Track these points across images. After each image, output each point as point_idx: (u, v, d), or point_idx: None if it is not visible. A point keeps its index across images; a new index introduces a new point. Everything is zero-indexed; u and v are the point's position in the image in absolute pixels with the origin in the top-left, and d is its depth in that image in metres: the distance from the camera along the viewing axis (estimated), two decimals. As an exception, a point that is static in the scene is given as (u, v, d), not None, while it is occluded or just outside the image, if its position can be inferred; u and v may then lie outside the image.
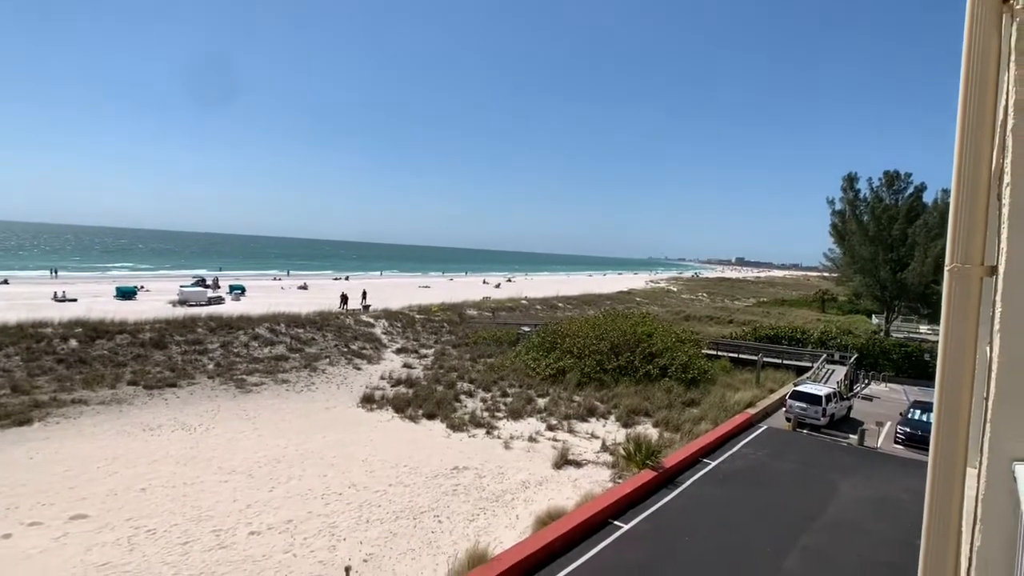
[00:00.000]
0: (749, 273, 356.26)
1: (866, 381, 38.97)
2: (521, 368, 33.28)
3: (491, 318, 53.11)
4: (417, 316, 48.55)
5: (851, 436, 24.03)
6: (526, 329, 44.05)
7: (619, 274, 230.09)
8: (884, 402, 32.71)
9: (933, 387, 3.25)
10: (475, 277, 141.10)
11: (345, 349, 35.74)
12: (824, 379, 33.69)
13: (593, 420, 25.77)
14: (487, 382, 30.54)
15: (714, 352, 40.71)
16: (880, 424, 25.00)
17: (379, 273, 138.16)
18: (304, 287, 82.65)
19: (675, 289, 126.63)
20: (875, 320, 67.67)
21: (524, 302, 68.54)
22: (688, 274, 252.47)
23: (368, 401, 26.70)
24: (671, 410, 26.72)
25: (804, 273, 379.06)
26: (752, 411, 25.81)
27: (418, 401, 26.47)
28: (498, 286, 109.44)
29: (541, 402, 28.00)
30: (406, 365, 34.61)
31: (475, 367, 34.64)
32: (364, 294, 61.86)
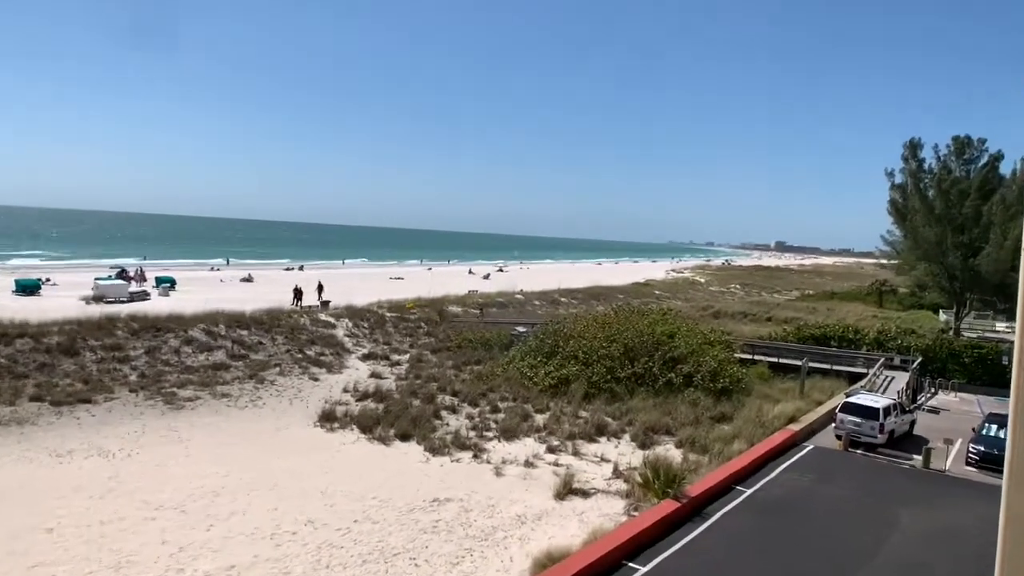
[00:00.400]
0: (791, 260, 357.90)
1: (932, 390, 39.23)
2: (515, 377, 33.29)
3: (478, 316, 53.08)
4: (388, 314, 48.45)
5: (914, 457, 24.16)
6: (521, 330, 44.05)
7: (634, 262, 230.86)
8: (954, 415, 32.93)
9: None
10: (460, 266, 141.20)
11: (300, 355, 35.66)
12: (882, 388, 33.84)
13: (603, 440, 25.82)
14: (474, 394, 30.51)
15: (749, 356, 40.78)
16: (949, 442, 25.13)
17: (341, 262, 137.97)
18: (249, 279, 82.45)
19: (702, 280, 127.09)
20: (943, 317, 68.12)
21: (519, 297, 68.55)
22: (718, 261, 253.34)
23: (328, 419, 26.62)
24: (697, 427, 26.77)
25: (857, 260, 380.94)
26: (795, 427, 25.90)
27: (390, 418, 26.41)
28: (487, 277, 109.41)
29: (540, 418, 28.00)
30: (375, 374, 34.56)
31: (459, 376, 34.60)
32: (320, 288, 61.66)
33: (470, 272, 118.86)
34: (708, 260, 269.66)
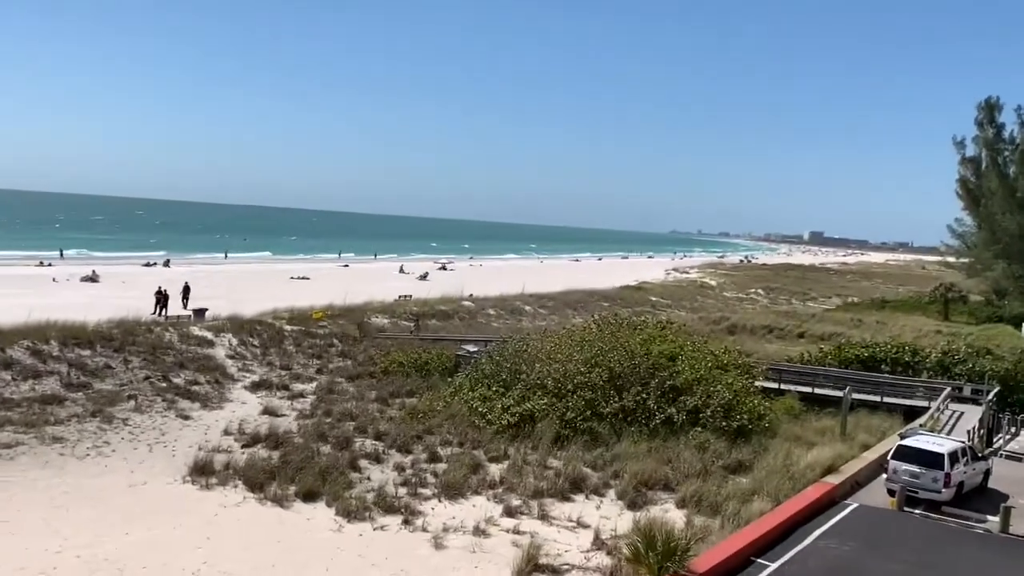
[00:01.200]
0: (830, 257, 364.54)
1: (1013, 430, 40.14)
2: (462, 414, 33.25)
3: (412, 331, 52.93)
4: (288, 328, 48.02)
5: (990, 518, 24.59)
6: (471, 349, 43.97)
7: (624, 257, 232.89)
8: (1041, 463, 33.67)
9: None
10: (390, 262, 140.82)
11: (164, 384, 35.13)
12: (947, 427, 34.48)
13: (580, 498, 25.83)
14: (406, 438, 30.36)
15: (775, 385, 41.16)
16: (1036, 499, 25.67)
17: (223, 255, 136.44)
18: (94, 278, 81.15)
19: (713, 283, 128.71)
20: (1028, 332, 69.86)
21: (468, 304, 68.53)
22: (734, 258, 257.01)
23: (203, 472, 26.25)
24: (706, 480, 26.94)
25: (916, 258, 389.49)
26: (834, 480, 26.22)
27: (289, 471, 26.12)
28: (424, 277, 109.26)
29: (495, 469, 27.92)
30: (268, 410, 34.21)
31: (386, 413, 34.43)
32: (185, 291, 60.78)
33: (401, 271, 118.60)
34: (722, 256, 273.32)
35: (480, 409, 33.19)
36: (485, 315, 65.81)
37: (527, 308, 71.51)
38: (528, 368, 35.76)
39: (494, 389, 34.88)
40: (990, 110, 57.91)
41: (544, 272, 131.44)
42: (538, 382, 34.41)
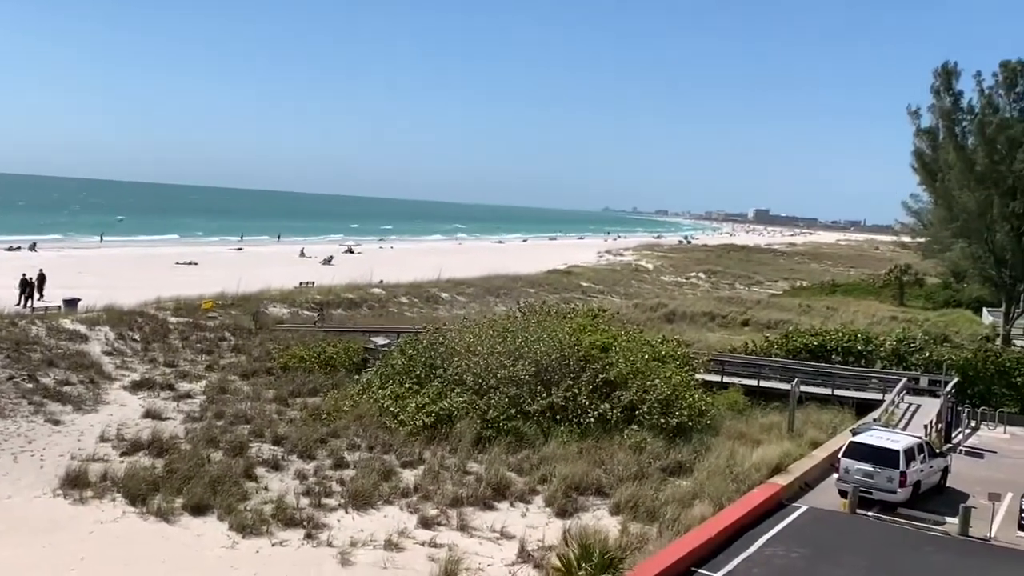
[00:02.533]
0: (777, 236, 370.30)
1: (972, 424, 41.23)
2: (372, 413, 33.17)
3: (316, 322, 52.46)
4: (174, 320, 47.24)
5: (949, 519, 25.21)
6: (381, 342, 43.78)
7: (551, 238, 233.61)
8: (1003, 459, 34.67)
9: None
10: (293, 245, 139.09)
11: (30, 385, 34.28)
12: (903, 422, 35.32)
13: (504, 506, 25.93)
14: (308, 442, 30.13)
15: (717, 378, 41.69)
16: (996, 498, 26.23)
17: (98, 239, 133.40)
18: (-53, 265, 78.48)
19: (650, 266, 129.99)
20: (988, 318, 72.01)
21: (377, 291, 68.11)
22: (672, 238, 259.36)
23: (76, 484, 25.71)
24: (643, 483, 27.18)
25: (869, 237, 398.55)
26: (782, 481, 26.68)
27: (175, 482, 25.71)
28: (328, 261, 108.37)
29: (409, 475, 27.89)
30: (152, 413, 33.62)
31: (285, 414, 34.15)
32: (40, 280, 58.90)
33: (302, 255, 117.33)
34: (659, 236, 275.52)
35: (392, 409, 33.08)
36: (397, 304, 65.51)
37: (444, 295, 71.40)
38: (445, 362, 35.77)
39: (407, 386, 34.78)
40: (947, 76, 58.90)
41: (463, 255, 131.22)
42: (456, 378, 34.45)
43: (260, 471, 27.78)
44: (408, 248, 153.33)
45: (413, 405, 32.91)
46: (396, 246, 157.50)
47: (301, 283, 70.06)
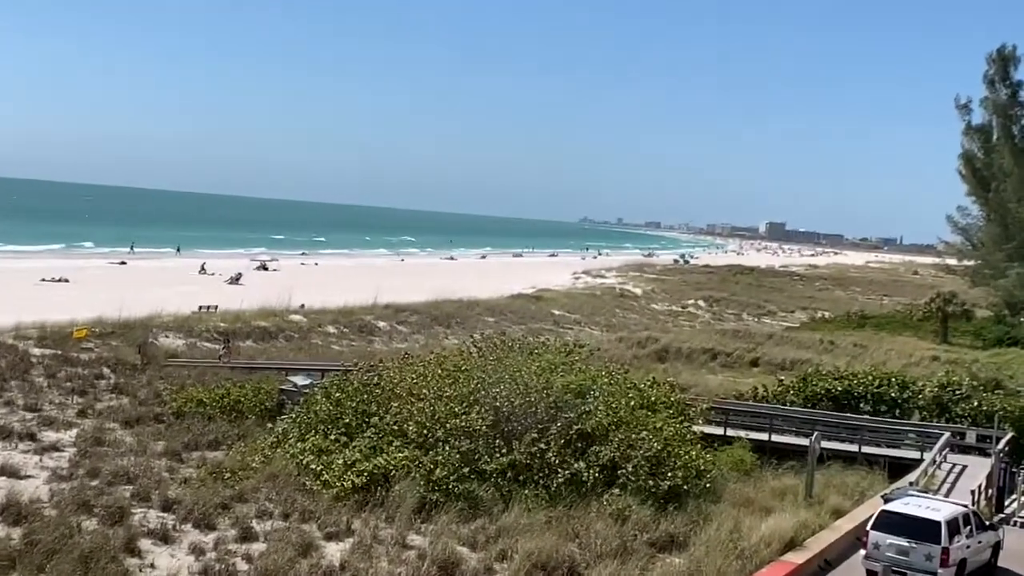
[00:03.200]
0: (794, 256, 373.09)
1: (1031, 489, 41.51)
2: (288, 472, 32.80)
3: (221, 356, 52.06)
4: (37, 351, 46.71)
5: (1001, 609, 25.36)
6: (301, 382, 43.47)
7: (517, 255, 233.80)
8: (1066, 533, 34.94)
9: None
10: (188, 259, 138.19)
11: None
12: (945, 487, 35.45)
13: (452, 589, 25.70)
14: (207, 507, 29.62)
15: (720, 430, 41.85)
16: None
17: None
18: None
19: (638, 291, 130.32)
20: (1049, 359, 72.39)
21: (298, 318, 67.76)
22: (666, 257, 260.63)
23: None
24: (626, 561, 27.04)
25: (906, 258, 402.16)
26: (797, 559, 26.68)
27: (36, 557, 25.19)
28: (237, 280, 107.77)
29: (334, 550, 27.57)
30: (7, 470, 32.97)
31: (179, 472, 33.74)
32: None
33: (203, 271, 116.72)
34: (649, 254, 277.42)
35: (314, 466, 32.67)
36: (322, 334, 65.24)
37: (381, 325, 71.20)
38: (382, 408, 35.46)
39: (333, 438, 34.40)
40: (1003, 63, 59.24)
41: (407, 275, 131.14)
42: (395, 428, 34.12)
43: (145, 544, 27.25)
44: (339, 265, 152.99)
45: (341, 462, 32.53)
46: (324, 262, 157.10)
47: (201, 307, 69.65)
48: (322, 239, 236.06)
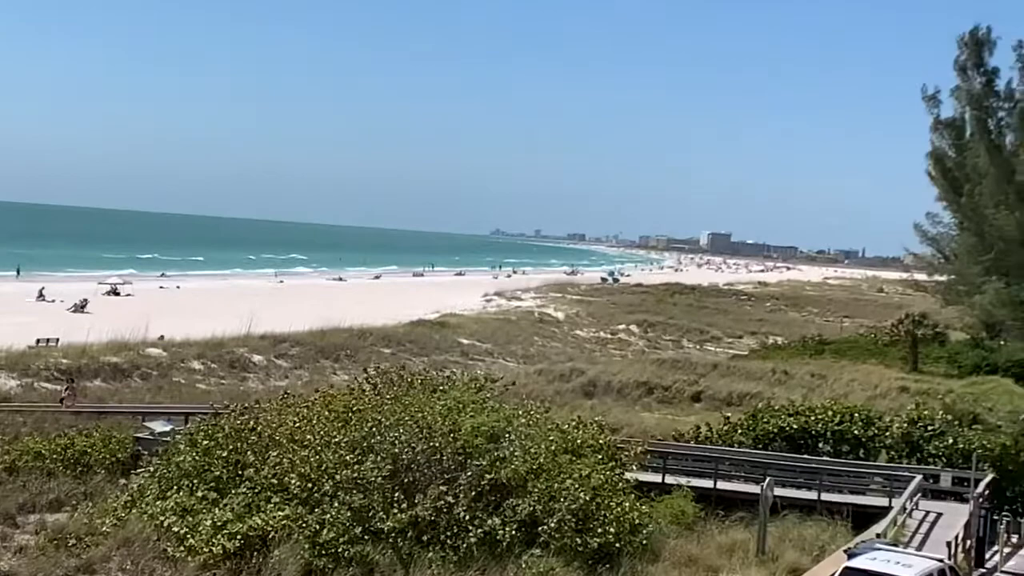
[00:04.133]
0: (741, 272, 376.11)
1: (1013, 539, 42.11)
2: (146, 536, 32.24)
3: (65, 397, 51.38)
4: None
5: None
6: (161, 429, 43.08)
7: (418, 273, 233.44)
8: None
9: None
10: (29, 283, 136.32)
11: None
12: (918, 537, 35.85)
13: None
14: (47, 579, 29.31)
15: (658, 477, 42.02)
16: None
17: None
18: None
19: (560, 314, 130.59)
20: (1034, 389, 73.58)
21: (157, 352, 67.04)
22: (593, 274, 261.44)
23: None
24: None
25: (869, 273, 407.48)
26: (749, 628, 26.87)
27: None
28: (83, 307, 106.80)
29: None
30: None
31: (13, 538, 33.24)
32: None
33: (42, 297, 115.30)
34: (573, 271, 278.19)
35: (177, 528, 32.19)
36: (186, 371, 64.59)
37: (256, 359, 70.67)
38: (258, 459, 35.14)
39: (200, 495, 33.98)
40: (976, 48, 59.90)
41: (289, 298, 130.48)
42: (275, 481, 33.86)
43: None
44: (206, 288, 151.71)
45: (209, 523, 32.08)
46: (189, 284, 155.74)
47: (39, 341, 68.71)
48: (199, 258, 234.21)
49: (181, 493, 34.42)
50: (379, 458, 34.03)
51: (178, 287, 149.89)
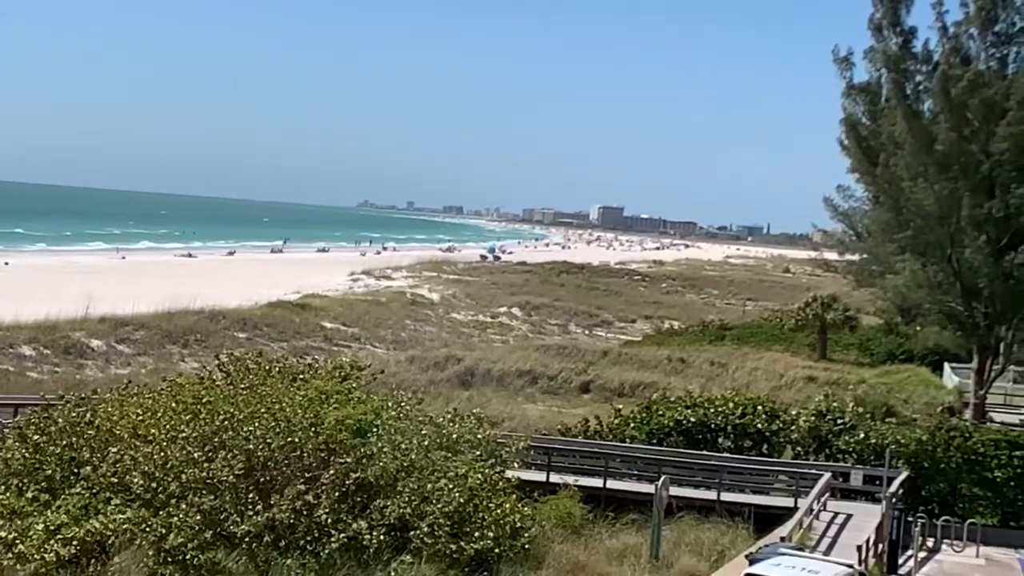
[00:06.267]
0: (635, 250, 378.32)
1: (928, 543, 42.81)
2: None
3: None
4: None
5: None
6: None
7: (277, 249, 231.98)
8: (972, 597, 36.29)
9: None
10: None
11: None
12: (825, 540, 36.36)
13: None
14: None
15: (542, 475, 42.35)
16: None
17: None
18: None
19: (434, 296, 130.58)
20: (952, 379, 74.82)
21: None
22: (472, 252, 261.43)
23: None
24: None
25: (774, 251, 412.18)
26: (642, 641, 27.07)
27: None
28: None
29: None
30: None
31: None
32: None
33: None
34: (450, 248, 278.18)
35: (4, 533, 31.72)
36: (14, 356, 63.78)
37: (95, 344, 69.94)
38: (96, 455, 34.72)
39: (31, 495, 33.50)
40: (893, 5, 60.02)
41: (131, 277, 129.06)
42: (115, 480, 33.49)
43: None
44: (37, 264, 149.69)
45: (41, 527, 31.55)
46: (17, 260, 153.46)
47: None
48: (19, 230, 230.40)
49: (9, 494, 33.82)
50: (232, 455, 33.69)
51: (6, 263, 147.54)
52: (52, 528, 31.73)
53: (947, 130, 57.80)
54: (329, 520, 32.51)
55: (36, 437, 36.26)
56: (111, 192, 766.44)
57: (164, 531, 31.51)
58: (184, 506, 32.31)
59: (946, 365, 77.76)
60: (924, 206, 58.29)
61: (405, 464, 34.57)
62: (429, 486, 33.84)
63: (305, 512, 32.69)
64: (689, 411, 50.24)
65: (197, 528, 31.82)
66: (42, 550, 30.95)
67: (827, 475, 42.40)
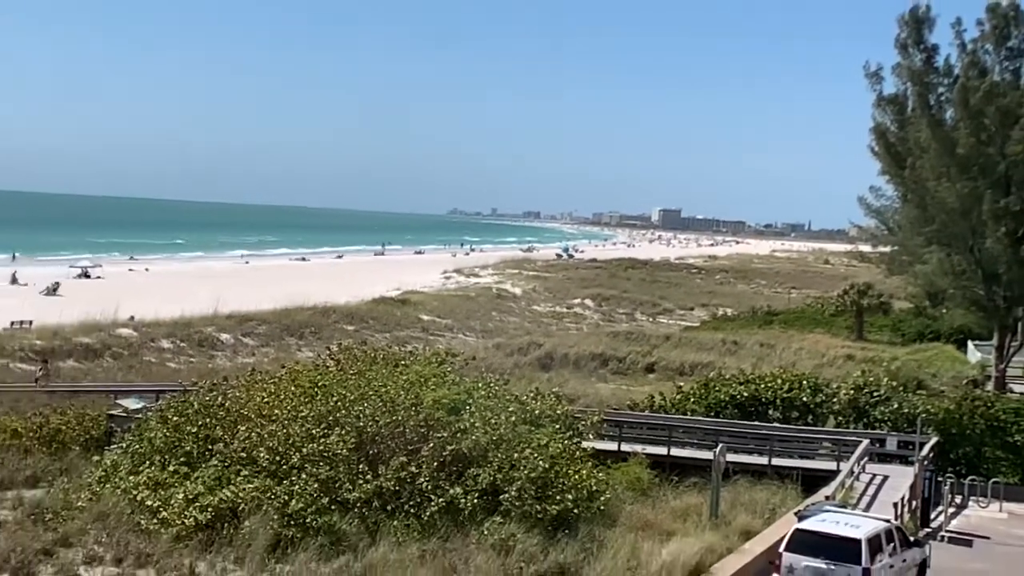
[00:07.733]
0: (692, 247, 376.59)
1: (957, 500, 42.42)
2: (121, 510, 32.10)
3: (39, 377, 51.06)
4: None
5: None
6: (133, 406, 42.77)
7: (379, 252, 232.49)
8: (997, 548, 35.83)
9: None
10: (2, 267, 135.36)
11: None
12: (865, 499, 36.09)
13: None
14: (25, 554, 28.86)
15: (613, 445, 42.25)
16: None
17: None
18: None
19: (517, 290, 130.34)
20: (975, 355, 74.08)
21: (127, 332, 66.65)
22: (548, 250, 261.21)
23: None
24: (510, 599, 27.10)
25: (815, 245, 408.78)
26: (704, 588, 26.95)
27: None
28: (54, 290, 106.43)
29: (174, 599, 27.18)
30: None
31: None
32: None
33: (15, 281, 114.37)
34: (529, 248, 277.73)
35: (150, 502, 31.99)
36: (156, 350, 64.29)
37: (224, 337, 70.35)
38: (227, 433, 34.93)
39: (172, 469, 33.75)
40: (917, 26, 59.81)
41: (253, 279, 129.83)
42: (244, 455, 33.62)
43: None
44: (174, 270, 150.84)
45: (181, 496, 31.87)
46: (157, 267, 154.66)
47: (13, 323, 68.24)
48: (180, 241, 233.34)
49: (153, 468, 34.21)
50: (344, 431, 33.95)
51: (147, 270, 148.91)
52: (190, 497, 32.01)
53: (967, 135, 57.58)
54: (429, 487, 32.59)
55: (176, 418, 36.57)
56: (248, 207, 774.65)
57: (287, 498, 31.70)
58: (304, 476, 32.51)
59: (970, 343, 77.26)
60: (948, 203, 57.96)
61: (494, 437, 34.55)
62: (516, 455, 33.76)
63: (408, 480, 32.81)
64: (742, 387, 50.21)
65: (315, 495, 31.99)
66: (182, 516, 31.26)
67: (865, 441, 42.17)
